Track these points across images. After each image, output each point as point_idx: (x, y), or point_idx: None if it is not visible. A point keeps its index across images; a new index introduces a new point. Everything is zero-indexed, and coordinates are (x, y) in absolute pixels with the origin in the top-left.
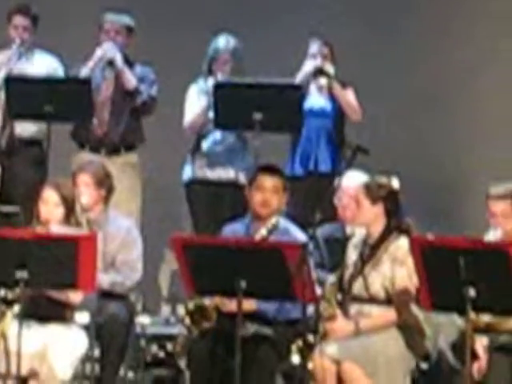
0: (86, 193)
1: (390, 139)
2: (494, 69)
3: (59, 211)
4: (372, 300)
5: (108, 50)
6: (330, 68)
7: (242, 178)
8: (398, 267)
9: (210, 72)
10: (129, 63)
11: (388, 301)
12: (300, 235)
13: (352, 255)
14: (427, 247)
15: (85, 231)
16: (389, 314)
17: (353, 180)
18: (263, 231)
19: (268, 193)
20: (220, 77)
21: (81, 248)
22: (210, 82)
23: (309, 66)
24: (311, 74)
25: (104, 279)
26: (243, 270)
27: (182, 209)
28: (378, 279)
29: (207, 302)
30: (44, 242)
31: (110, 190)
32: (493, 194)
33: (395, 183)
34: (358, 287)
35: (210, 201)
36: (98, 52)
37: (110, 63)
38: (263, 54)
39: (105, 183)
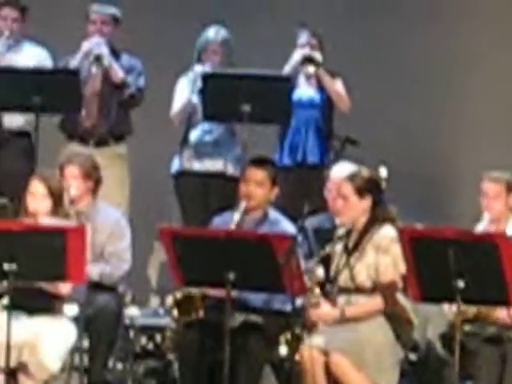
0: (74, 185)
1: (378, 132)
2: (479, 67)
3: (47, 203)
4: (359, 290)
5: (95, 45)
6: (317, 56)
7: (231, 169)
8: (381, 256)
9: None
10: (115, 54)
11: (374, 289)
12: (289, 226)
13: (336, 246)
14: (416, 237)
15: (73, 223)
16: (374, 301)
17: (342, 171)
18: (251, 223)
19: (252, 185)
20: (208, 67)
21: (69, 239)
22: (198, 68)
23: (297, 55)
24: (299, 63)
25: (93, 270)
26: (232, 262)
27: (171, 200)
28: (363, 269)
29: (194, 291)
30: (32, 234)
31: (97, 182)
32: (488, 176)
33: (383, 172)
34: (344, 278)
35: (198, 192)
36: (85, 45)
37: (98, 58)
38: (252, 46)
39: (92, 175)
